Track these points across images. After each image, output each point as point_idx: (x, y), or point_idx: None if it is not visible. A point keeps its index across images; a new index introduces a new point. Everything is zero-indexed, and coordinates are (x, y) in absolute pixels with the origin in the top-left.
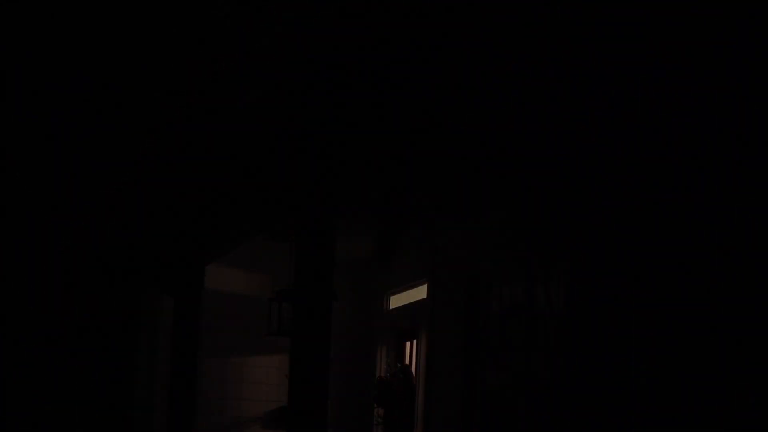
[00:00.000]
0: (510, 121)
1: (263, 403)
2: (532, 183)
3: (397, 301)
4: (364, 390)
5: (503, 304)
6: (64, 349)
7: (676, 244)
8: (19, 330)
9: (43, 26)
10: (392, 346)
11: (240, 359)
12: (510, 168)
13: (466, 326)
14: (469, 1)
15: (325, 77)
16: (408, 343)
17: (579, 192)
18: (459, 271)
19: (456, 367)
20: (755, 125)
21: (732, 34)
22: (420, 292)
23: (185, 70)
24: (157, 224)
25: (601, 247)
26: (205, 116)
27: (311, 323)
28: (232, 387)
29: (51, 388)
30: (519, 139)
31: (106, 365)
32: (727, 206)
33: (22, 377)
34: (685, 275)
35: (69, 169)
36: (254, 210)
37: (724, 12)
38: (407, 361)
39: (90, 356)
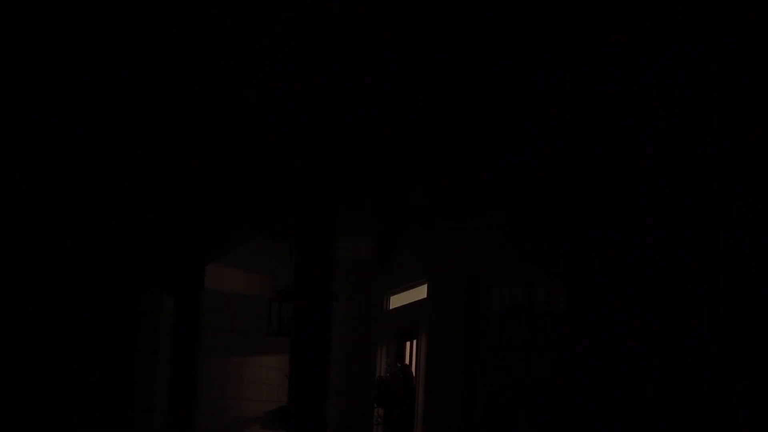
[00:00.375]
0: (509, 120)
1: (263, 403)
2: (531, 183)
3: (397, 301)
4: (364, 390)
5: (503, 304)
6: (64, 349)
7: (676, 243)
8: (19, 330)
9: (44, 26)
10: (392, 346)
11: (240, 359)
12: (510, 168)
13: (466, 326)
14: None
15: (324, 77)
16: (408, 343)
17: (578, 192)
18: (459, 271)
19: (456, 367)
20: (753, 125)
21: (730, 33)
22: (420, 292)
23: (185, 69)
24: (157, 224)
25: (601, 246)
26: (206, 116)
27: (311, 323)
28: (232, 387)
29: (51, 388)
30: (519, 139)
31: (106, 365)
32: (726, 205)
33: (22, 377)
34: (685, 274)
35: (69, 169)
36: (254, 210)
37: (723, 12)
38: (407, 361)
39: (90, 356)
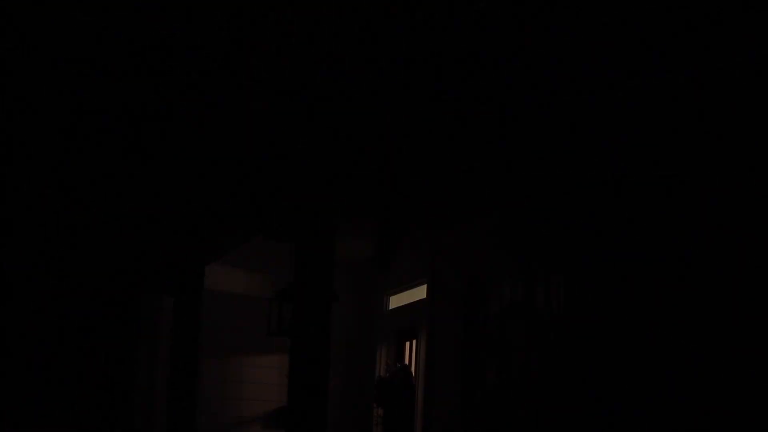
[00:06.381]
0: (509, 121)
1: (263, 403)
2: (531, 183)
3: (397, 301)
4: (364, 390)
5: (503, 304)
6: (64, 348)
7: (675, 243)
8: (19, 330)
9: (44, 27)
10: (392, 346)
11: (240, 359)
12: (509, 169)
13: (465, 326)
14: (469, 2)
15: (325, 78)
16: (408, 343)
17: (578, 192)
18: (459, 271)
19: (456, 367)
20: (753, 125)
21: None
22: (420, 292)
23: (187, 69)
24: (157, 224)
25: (601, 247)
26: (206, 116)
27: (311, 323)
28: (233, 387)
29: (51, 388)
30: (518, 141)
31: (106, 365)
32: (726, 204)
33: (23, 377)
34: (685, 274)
35: (70, 170)
36: (254, 210)
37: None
38: (407, 361)
39: (90, 356)
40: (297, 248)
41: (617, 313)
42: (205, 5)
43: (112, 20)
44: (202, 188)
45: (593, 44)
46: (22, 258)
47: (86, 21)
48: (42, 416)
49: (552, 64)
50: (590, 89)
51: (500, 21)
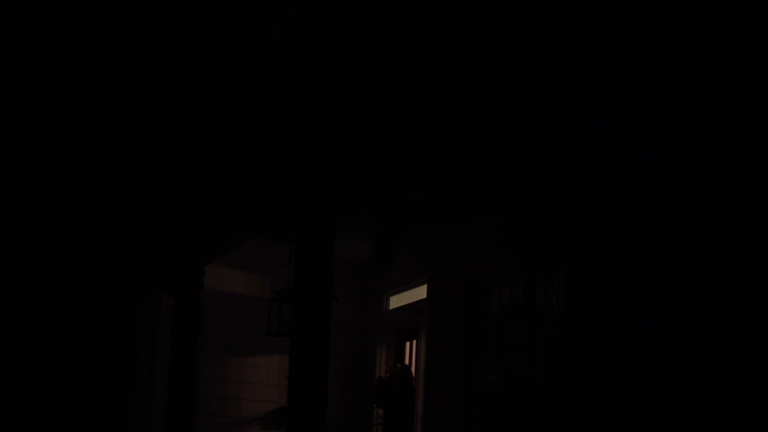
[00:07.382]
0: (509, 121)
1: (263, 404)
2: (531, 183)
3: (396, 301)
4: (364, 390)
5: (503, 304)
6: (64, 348)
7: (676, 243)
8: (19, 330)
9: (45, 31)
10: (392, 346)
11: (240, 359)
12: (509, 168)
13: (465, 326)
14: (469, 2)
15: (324, 78)
16: (408, 343)
17: (578, 191)
18: (459, 271)
19: (456, 367)
20: (754, 125)
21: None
22: (420, 292)
23: (186, 69)
24: (158, 224)
25: (601, 246)
26: (206, 116)
27: (311, 323)
28: (232, 387)
29: (51, 388)
30: (518, 140)
31: (106, 365)
32: (727, 206)
33: (22, 377)
34: (686, 275)
35: (69, 170)
36: (254, 210)
37: (724, 12)
38: (407, 361)
39: (90, 356)
40: (297, 248)
41: (618, 313)
42: (205, 5)
43: (112, 20)
44: (202, 188)
45: (593, 44)
46: (22, 258)
47: (87, 21)
48: (42, 416)
49: (552, 63)
50: (590, 88)
51: (501, 21)
